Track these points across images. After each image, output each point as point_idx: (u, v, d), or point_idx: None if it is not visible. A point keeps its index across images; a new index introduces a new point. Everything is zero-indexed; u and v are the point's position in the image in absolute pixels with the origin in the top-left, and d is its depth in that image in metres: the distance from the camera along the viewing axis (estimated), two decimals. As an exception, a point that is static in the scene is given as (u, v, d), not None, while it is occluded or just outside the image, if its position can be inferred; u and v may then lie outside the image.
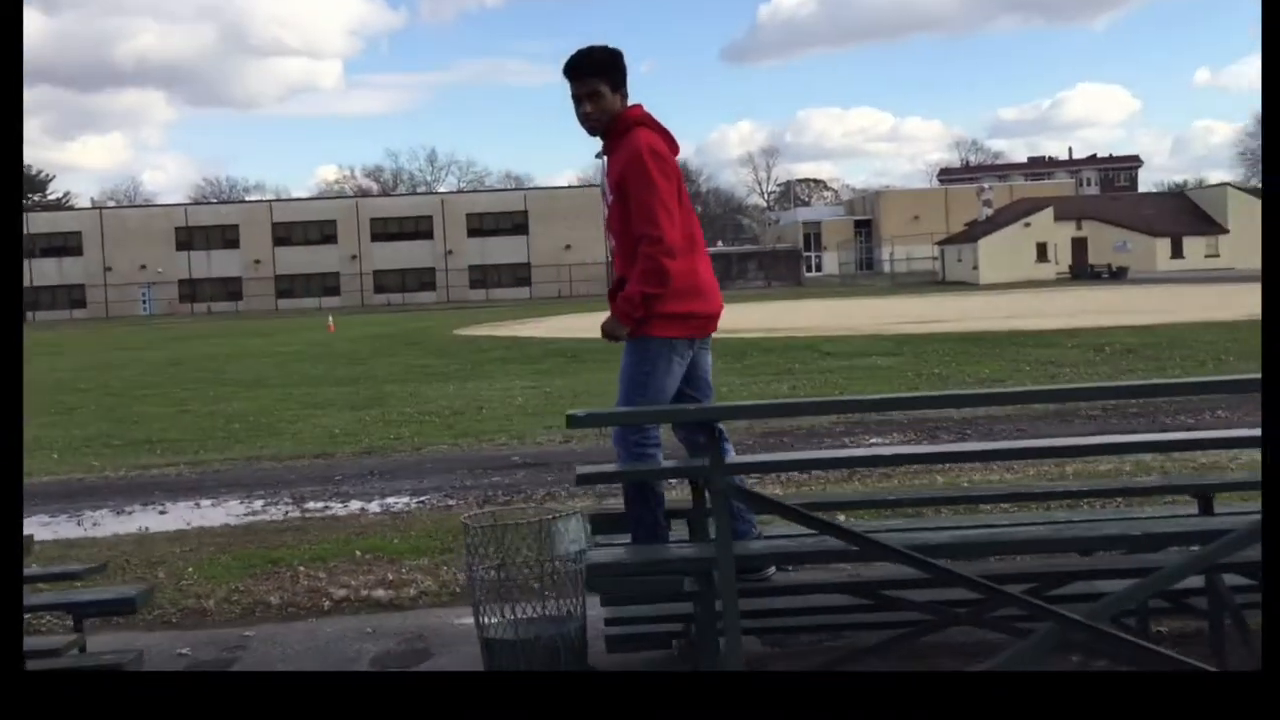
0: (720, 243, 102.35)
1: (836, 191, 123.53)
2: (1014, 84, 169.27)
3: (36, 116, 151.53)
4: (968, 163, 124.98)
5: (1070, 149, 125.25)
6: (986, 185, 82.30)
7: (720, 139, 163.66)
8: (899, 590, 3.58)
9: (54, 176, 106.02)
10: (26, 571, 4.35)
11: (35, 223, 78.66)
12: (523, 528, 4.49)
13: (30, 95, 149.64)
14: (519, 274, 78.12)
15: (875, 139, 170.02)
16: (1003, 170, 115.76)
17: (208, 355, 28.54)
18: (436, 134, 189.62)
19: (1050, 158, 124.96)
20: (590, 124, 4.09)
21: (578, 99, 4.06)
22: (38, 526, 7.97)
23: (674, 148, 4.07)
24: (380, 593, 5.93)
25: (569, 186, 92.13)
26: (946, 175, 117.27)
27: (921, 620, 3.63)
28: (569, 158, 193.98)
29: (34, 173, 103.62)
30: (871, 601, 3.57)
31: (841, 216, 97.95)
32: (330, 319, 44.61)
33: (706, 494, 3.32)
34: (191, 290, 76.71)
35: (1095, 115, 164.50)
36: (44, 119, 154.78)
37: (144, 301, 75.60)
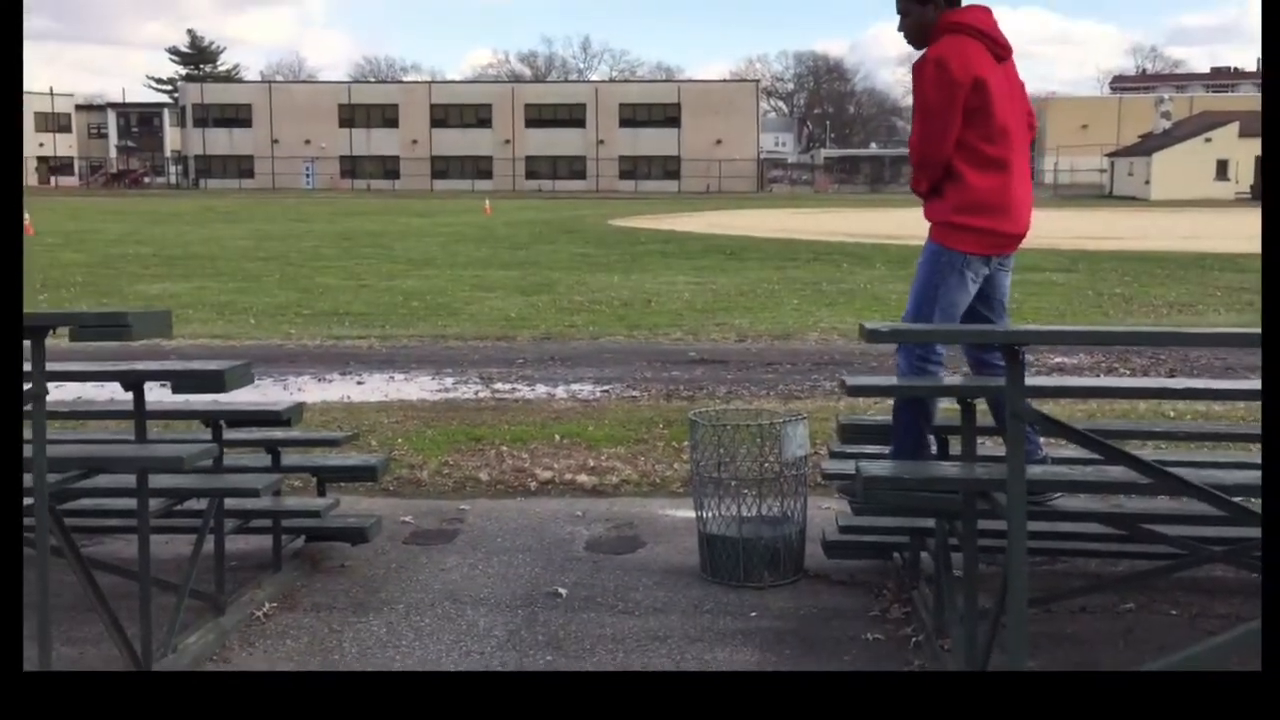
0: (874, 144, 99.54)
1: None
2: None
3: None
4: (1144, 71, 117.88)
5: (1259, 60, 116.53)
6: (1165, 96, 77.57)
7: (878, 35, 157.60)
8: (1154, 524, 3.50)
9: (224, 49, 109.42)
10: (292, 434, 4.61)
11: (209, 93, 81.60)
12: (749, 429, 4.54)
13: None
14: (668, 167, 77.61)
15: (1042, 41, 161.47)
16: (1182, 80, 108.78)
17: (374, 232, 29.36)
18: (590, 21, 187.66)
19: (1236, 69, 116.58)
20: (908, 40, 4.03)
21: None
22: (248, 390, 8.43)
23: (1000, 51, 3.90)
24: (584, 478, 6.10)
25: (722, 80, 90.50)
26: (1120, 83, 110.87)
27: (1175, 555, 3.55)
28: (720, 50, 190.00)
29: (206, 44, 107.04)
30: (1126, 532, 3.50)
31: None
32: (487, 202, 45.27)
33: (976, 413, 3.28)
34: (352, 167, 78.68)
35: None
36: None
37: (307, 175, 77.94)
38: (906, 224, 34.71)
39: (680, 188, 75.27)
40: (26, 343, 3.18)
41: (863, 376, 4.08)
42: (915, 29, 3.97)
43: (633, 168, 77.71)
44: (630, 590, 4.44)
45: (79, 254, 22.29)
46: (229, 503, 4.11)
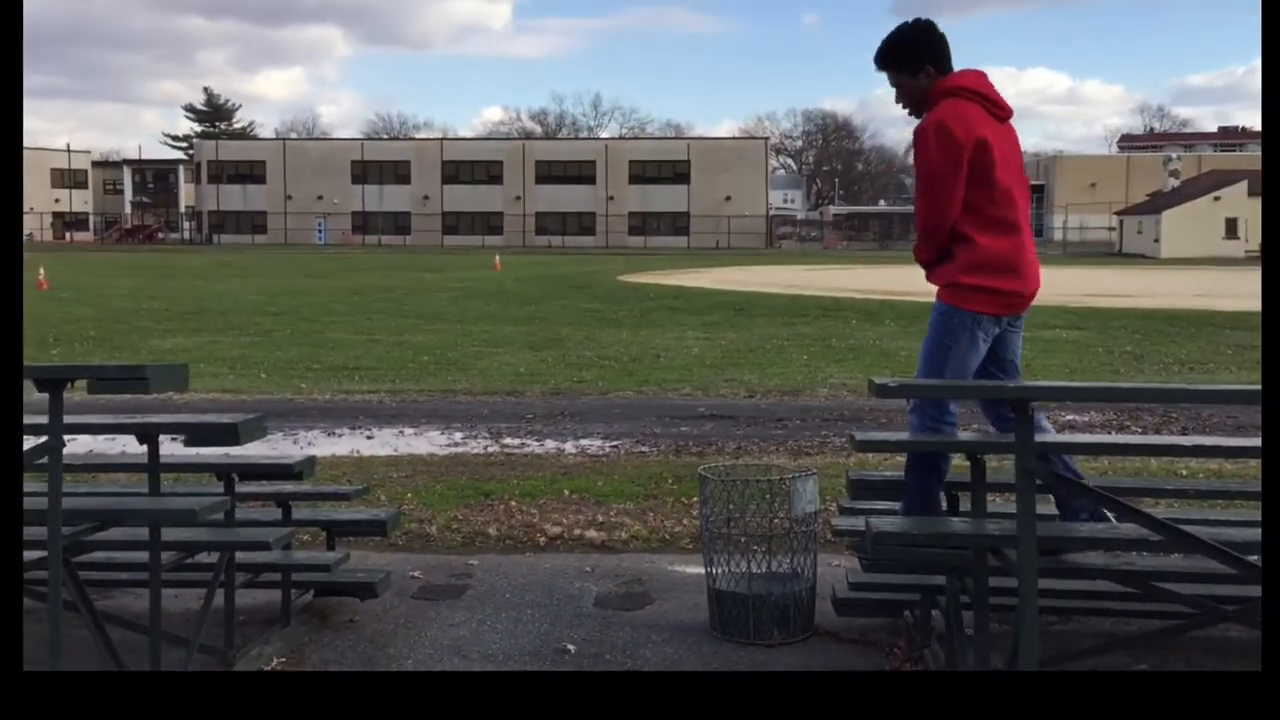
0: (882, 201, 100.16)
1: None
2: (1204, 47, 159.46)
3: (224, 48, 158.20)
4: (1151, 129, 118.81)
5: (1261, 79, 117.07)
6: (1173, 155, 78.02)
7: (886, 95, 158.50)
8: (1167, 582, 3.48)
9: (240, 106, 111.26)
10: (303, 488, 4.63)
11: (224, 150, 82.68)
12: (759, 484, 4.55)
13: (218, 28, 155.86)
14: (678, 223, 78.15)
15: (1050, 100, 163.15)
16: (1189, 140, 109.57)
17: (384, 287, 29.55)
18: (601, 79, 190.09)
19: (1243, 128, 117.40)
20: (906, 110, 4.07)
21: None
22: (259, 444, 8.45)
23: (999, 112, 3.94)
24: (592, 533, 6.08)
25: (732, 137, 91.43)
26: (1128, 142, 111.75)
27: (1189, 614, 3.53)
28: (729, 108, 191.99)
29: (221, 101, 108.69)
30: (1138, 590, 3.48)
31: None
32: (497, 258, 45.57)
33: (986, 469, 3.28)
34: (364, 222, 79.41)
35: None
36: (230, 51, 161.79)
37: (319, 231, 78.67)
38: (915, 280, 34.76)
39: (689, 243, 75.69)
40: (44, 395, 3.22)
41: (872, 432, 4.08)
42: (911, 99, 4.00)
43: (642, 223, 78.25)
44: (639, 647, 4.41)
45: (91, 308, 22.45)
46: (239, 556, 4.11)
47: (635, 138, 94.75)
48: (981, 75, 3.98)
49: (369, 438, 9.14)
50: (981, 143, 3.81)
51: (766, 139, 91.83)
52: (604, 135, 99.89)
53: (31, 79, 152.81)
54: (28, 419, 4.40)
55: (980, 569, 3.14)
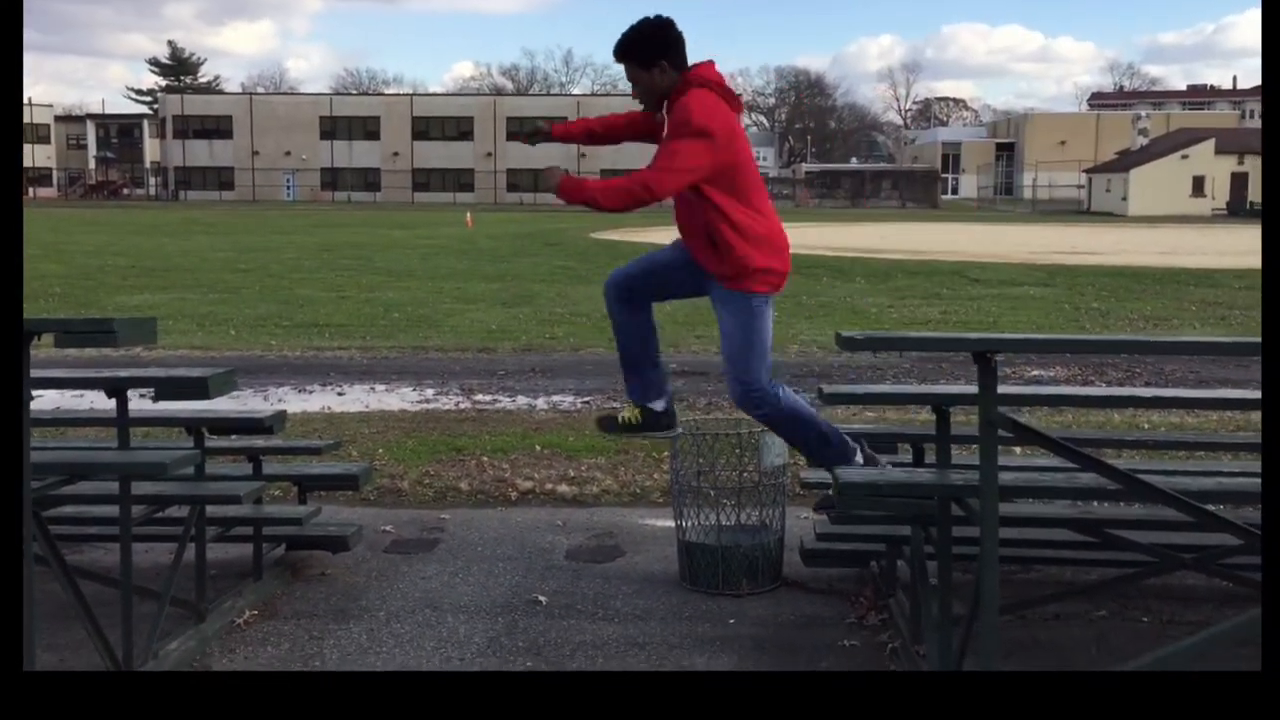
0: (855, 159, 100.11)
1: (976, 112, 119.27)
2: (1175, 5, 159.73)
3: (191, 1, 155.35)
4: (1121, 88, 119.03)
5: (1235, 78, 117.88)
6: (1143, 113, 78.37)
7: (859, 51, 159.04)
8: (1125, 531, 3.56)
9: (205, 60, 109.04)
10: (274, 443, 4.63)
11: (190, 105, 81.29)
12: (729, 438, 4.59)
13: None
14: (651, 180, 77.80)
15: (1022, 58, 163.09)
16: (1159, 98, 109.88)
17: (354, 244, 29.33)
18: (572, 35, 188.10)
19: (1212, 86, 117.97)
20: (643, 104, 4.07)
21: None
22: (229, 400, 8.42)
23: (735, 106, 4.01)
24: (564, 488, 6.13)
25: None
26: (1098, 100, 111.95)
27: (1146, 562, 3.61)
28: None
29: (186, 55, 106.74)
30: (1096, 539, 3.56)
31: (983, 138, 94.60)
32: (469, 214, 45.28)
33: (950, 421, 3.34)
34: (333, 179, 78.53)
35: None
36: (198, 4, 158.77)
37: (288, 187, 77.76)
38: (888, 237, 34.92)
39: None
40: (10, 349, 3.20)
41: (840, 385, 4.13)
42: (647, 92, 3.99)
43: (614, 181, 77.83)
44: (610, 598, 4.47)
45: (57, 265, 22.16)
46: (210, 510, 4.12)
47: (607, 94, 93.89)
48: (713, 65, 4.04)
49: (340, 394, 9.12)
50: (735, 132, 3.89)
51: (739, 96, 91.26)
52: (576, 92, 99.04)
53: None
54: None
55: (944, 518, 3.20)
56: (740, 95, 4.09)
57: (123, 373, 3.89)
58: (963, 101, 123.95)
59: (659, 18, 4.01)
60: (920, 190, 75.91)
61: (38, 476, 3.26)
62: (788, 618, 4.24)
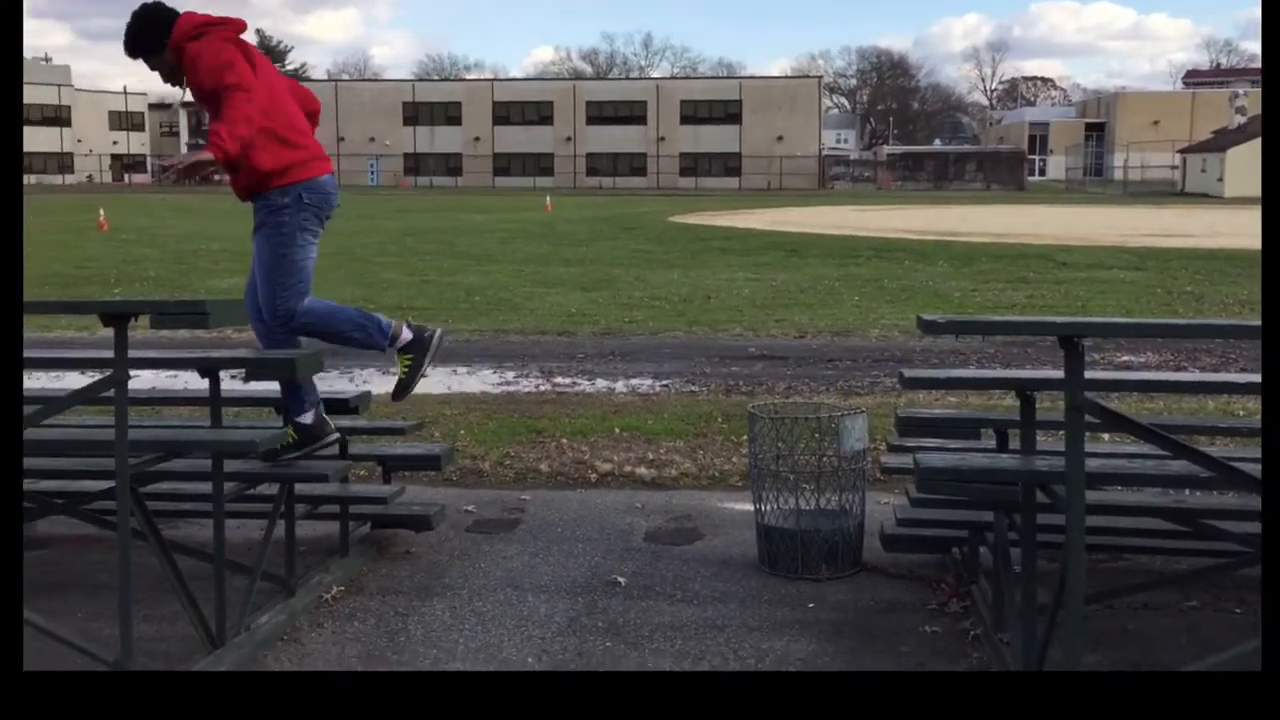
0: (938, 141, 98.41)
1: (1065, 91, 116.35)
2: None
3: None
4: (1218, 65, 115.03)
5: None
6: (1240, 90, 75.66)
7: (943, 31, 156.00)
8: (1218, 520, 3.46)
9: (292, 48, 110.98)
10: (360, 423, 4.73)
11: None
12: (808, 422, 4.57)
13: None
14: (729, 163, 77.40)
15: (1113, 36, 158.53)
16: (1257, 75, 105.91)
17: (436, 228, 29.70)
18: (652, 18, 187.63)
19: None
20: (167, 82, 4.33)
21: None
22: (317, 381, 8.59)
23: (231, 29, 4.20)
24: (642, 470, 6.15)
25: (785, 76, 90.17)
26: (1193, 78, 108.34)
27: (1239, 552, 3.51)
28: (782, 47, 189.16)
29: (274, 43, 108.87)
30: (1188, 529, 3.47)
31: (1072, 119, 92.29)
32: (548, 199, 45.54)
33: (1036, 406, 3.28)
34: (415, 164, 79.52)
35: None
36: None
37: (371, 172, 78.93)
38: (970, 220, 34.30)
39: (741, 184, 75.01)
40: (109, 330, 3.31)
41: (921, 370, 4.08)
42: (167, 73, 4.23)
43: (693, 164, 77.59)
44: (689, 580, 4.49)
45: (151, 249, 22.83)
46: (299, 488, 4.22)
47: (687, 78, 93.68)
48: (190, 13, 4.21)
49: (423, 376, 9.24)
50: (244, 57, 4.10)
51: (820, 78, 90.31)
52: (655, 75, 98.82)
53: (91, 20, 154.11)
54: (95, 354, 4.53)
55: (1029, 505, 3.14)
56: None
57: (215, 354, 4.00)
58: (1051, 81, 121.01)
59: (145, 5, 4.23)
60: (1006, 172, 74.38)
61: (135, 454, 3.37)
62: (867, 603, 4.22)
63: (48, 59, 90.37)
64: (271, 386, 4.52)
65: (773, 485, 4.57)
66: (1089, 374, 2.85)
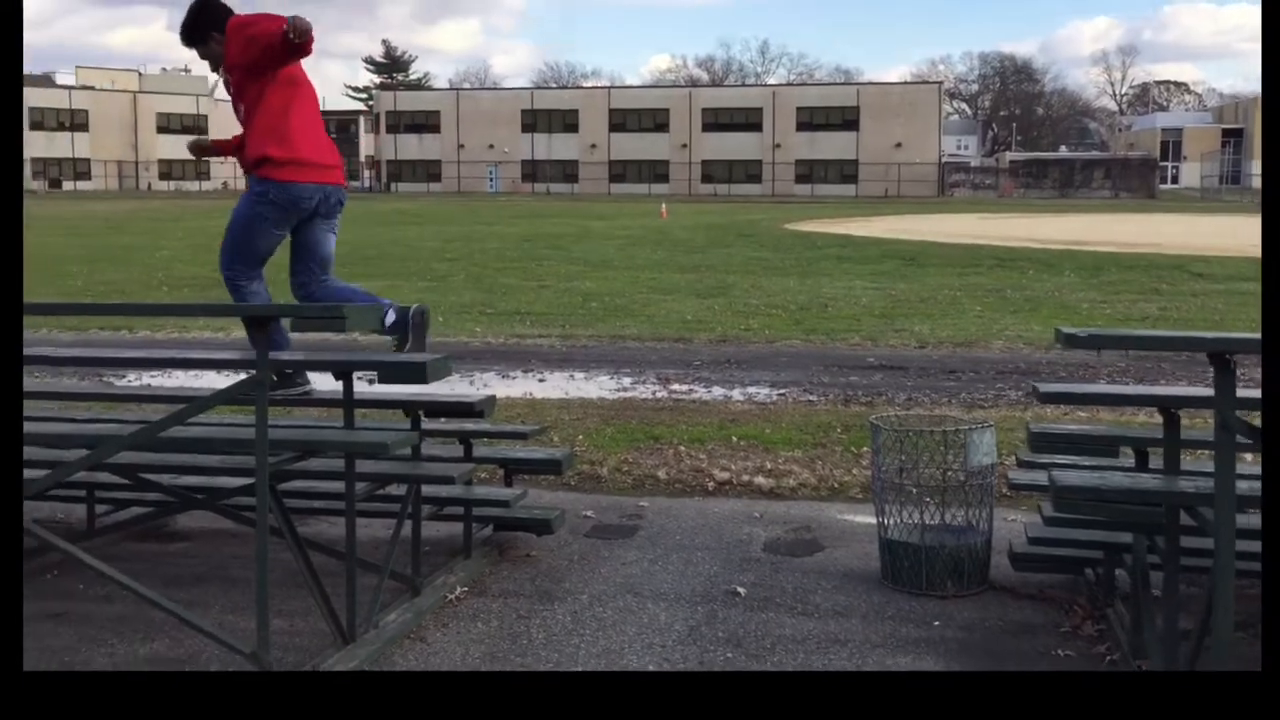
0: (1064, 147, 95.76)
1: (1200, 96, 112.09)
2: None
3: (405, 3, 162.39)
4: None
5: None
6: (1393, 94, 71.71)
7: (1070, 35, 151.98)
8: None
9: (416, 57, 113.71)
10: (483, 426, 4.80)
11: (402, 101, 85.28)
12: (933, 435, 4.47)
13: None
14: (846, 170, 76.61)
15: (1251, 38, 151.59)
16: None
17: (553, 234, 30.04)
18: (768, 25, 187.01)
19: None
20: (212, 68, 4.95)
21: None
22: (441, 385, 8.78)
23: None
24: (760, 480, 6.11)
25: (903, 82, 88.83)
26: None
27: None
28: (901, 53, 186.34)
29: (399, 53, 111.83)
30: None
31: (1207, 124, 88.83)
32: (663, 206, 45.69)
33: (1180, 425, 3.14)
34: (533, 170, 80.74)
35: None
36: (412, 4, 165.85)
37: (490, 179, 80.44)
38: (1096, 229, 33.25)
39: (858, 192, 74.15)
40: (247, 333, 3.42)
41: (1055, 384, 3.95)
42: (216, 61, 4.83)
43: (809, 171, 77.03)
44: (810, 592, 4.43)
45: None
46: (425, 489, 4.30)
47: (803, 84, 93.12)
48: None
49: (541, 381, 9.37)
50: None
51: (940, 83, 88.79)
52: (771, 82, 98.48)
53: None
54: (237, 355, 4.71)
55: (1173, 528, 3.02)
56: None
57: (349, 357, 4.10)
58: (1184, 85, 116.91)
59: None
60: (1135, 179, 72.02)
61: (273, 452, 3.47)
62: (995, 623, 4.11)
63: (187, 70, 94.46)
64: (399, 389, 4.61)
65: (896, 499, 4.48)
66: (1241, 392, 2.73)
